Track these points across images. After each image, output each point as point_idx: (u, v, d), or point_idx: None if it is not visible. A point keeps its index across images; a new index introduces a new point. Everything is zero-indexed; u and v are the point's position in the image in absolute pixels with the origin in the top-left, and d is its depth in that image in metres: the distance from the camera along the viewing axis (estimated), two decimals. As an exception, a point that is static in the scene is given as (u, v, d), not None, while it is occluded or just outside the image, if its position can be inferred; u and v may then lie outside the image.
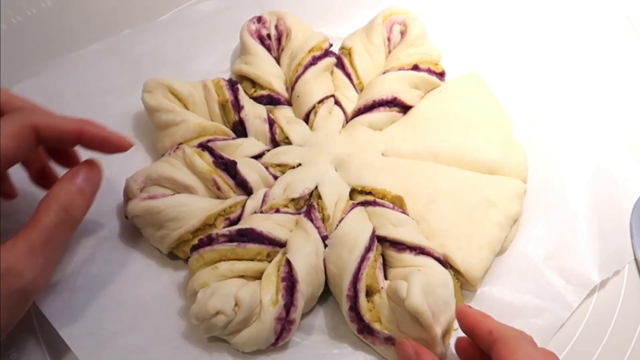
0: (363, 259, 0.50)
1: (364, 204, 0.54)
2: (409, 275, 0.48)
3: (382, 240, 0.52)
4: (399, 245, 0.51)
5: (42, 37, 0.69)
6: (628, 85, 0.65)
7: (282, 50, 0.63)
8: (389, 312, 0.48)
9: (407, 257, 0.51)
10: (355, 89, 0.62)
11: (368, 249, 0.51)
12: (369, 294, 0.50)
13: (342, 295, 0.50)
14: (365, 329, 0.49)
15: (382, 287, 0.50)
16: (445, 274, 0.50)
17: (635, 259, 0.55)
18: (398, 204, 0.54)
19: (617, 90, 0.65)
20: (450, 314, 0.48)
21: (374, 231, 0.52)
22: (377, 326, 0.49)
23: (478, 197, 0.54)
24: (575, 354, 0.51)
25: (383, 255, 0.52)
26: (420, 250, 0.51)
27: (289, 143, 0.59)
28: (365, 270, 0.50)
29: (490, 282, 0.54)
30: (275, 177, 0.56)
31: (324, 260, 0.52)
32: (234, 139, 0.58)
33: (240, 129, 0.58)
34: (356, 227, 0.52)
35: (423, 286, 0.47)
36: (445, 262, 0.51)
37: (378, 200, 0.54)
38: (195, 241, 0.52)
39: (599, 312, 0.53)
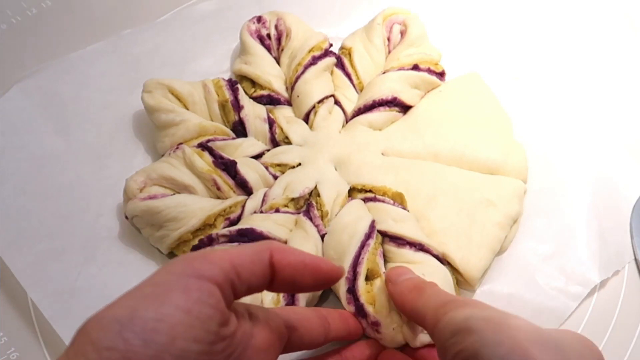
0: (363, 245, 0.50)
1: (365, 200, 0.54)
2: None
3: (382, 235, 0.52)
4: (399, 240, 0.51)
5: (42, 37, 0.69)
6: (628, 85, 0.65)
7: (282, 50, 0.63)
8: (385, 299, 0.47)
9: (407, 252, 0.51)
10: (355, 89, 0.62)
11: (368, 236, 0.50)
12: (369, 278, 0.49)
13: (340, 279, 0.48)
14: (360, 312, 0.48)
15: (383, 272, 0.49)
16: (444, 270, 0.50)
17: (635, 259, 0.55)
18: (398, 200, 0.54)
19: (617, 89, 0.65)
20: None
21: (374, 221, 0.52)
22: (370, 309, 0.48)
23: (478, 197, 0.54)
24: (575, 354, 0.51)
25: (382, 250, 0.52)
26: (420, 247, 0.51)
27: (289, 143, 0.59)
28: (366, 255, 0.49)
29: (490, 281, 0.54)
30: (275, 177, 0.56)
31: (323, 248, 0.51)
32: (233, 139, 0.58)
33: (240, 129, 0.58)
34: (356, 215, 0.52)
35: None
36: (443, 261, 0.51)
37: (378, 196, 0.54)
38: (195, 241, 0.52)
39: (599, 312, 0.53)
